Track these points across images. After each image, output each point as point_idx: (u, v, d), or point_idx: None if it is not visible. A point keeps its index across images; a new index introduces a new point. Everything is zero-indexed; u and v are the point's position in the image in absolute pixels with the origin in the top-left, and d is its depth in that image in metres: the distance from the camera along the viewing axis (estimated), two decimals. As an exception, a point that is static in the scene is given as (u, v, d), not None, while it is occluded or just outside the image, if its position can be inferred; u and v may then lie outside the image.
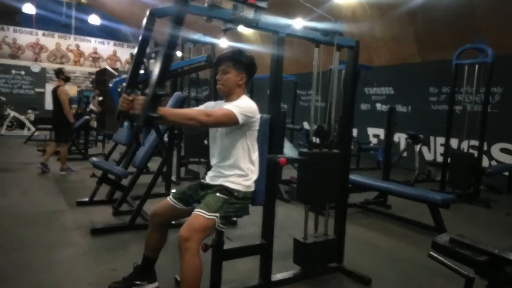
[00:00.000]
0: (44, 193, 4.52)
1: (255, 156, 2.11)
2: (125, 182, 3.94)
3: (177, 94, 3.93)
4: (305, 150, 2.56)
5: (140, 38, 2.07)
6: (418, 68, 7.72)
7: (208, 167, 5.92)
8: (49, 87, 13.01)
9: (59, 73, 5.58)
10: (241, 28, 9.41)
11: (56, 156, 6.04)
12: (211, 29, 9.99)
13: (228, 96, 2.11)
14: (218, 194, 1.97)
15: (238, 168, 2.04)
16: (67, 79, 5.59)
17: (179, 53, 7.67)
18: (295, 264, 2.58)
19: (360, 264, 2.77)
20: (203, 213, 1.86)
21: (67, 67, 13.66)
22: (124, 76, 4.04)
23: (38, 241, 2.98)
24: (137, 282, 2.24)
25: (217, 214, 1.88)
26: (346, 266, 2.69)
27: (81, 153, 6.94)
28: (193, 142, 5.55)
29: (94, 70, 13.48)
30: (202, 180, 2.21)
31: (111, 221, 3.55)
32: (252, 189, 2.10)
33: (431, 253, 1.44)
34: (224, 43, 9.21)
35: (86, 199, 4.06)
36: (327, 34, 2.42)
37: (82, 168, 5.80)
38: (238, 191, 2.02)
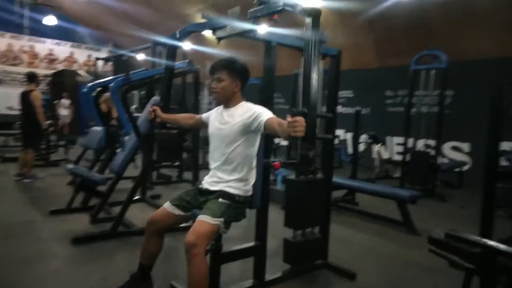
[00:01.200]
0: (12, 204, 4.30)
1: (255, 161, 2.20)
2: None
3: (154, 98, 3.91)
4: (292, 177, 2.66)
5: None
6: (376, 72, 8.18)
7: (180, 171, 5.93)
8: (0, 90, 12.20)
9: (33, 77, 5.35)
10: (205, 32, 9.38)
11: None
12: (172, 31, 9.92)
13: (227, 102, 2.17)
14: (220, 199, 2.04)
15: (239, 173, 2.11)
16: (38, 84, 5.36)
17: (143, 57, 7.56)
18: (285, 263, 2.69)
19: (342, 259, 2.93)
20: (208, 219, 1.91)
21: (21, 69, 12.93)
22: (99, 81, 3.94)
23: (16, 255, 2.86)
24: (134, 290, 2.25)
25: (222, 219, 1.95)
26: (331, 262, 2.85)
27: (43, 159, 6.62)
28: (165, 146, 5.53)
29: (50, 72, 12.82)
30: (200, 186, 2.25)
31: (91, 229, 3.46)
32: (251, 193, 2.19)
33: (431, 247, 1.61)
34: (187, 46, 9.18)
35: (61, 208, 3.92)
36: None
37: (47, 175, 5.56)
38: (239, 196, 2.10)
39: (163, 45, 5.51)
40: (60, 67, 13.72)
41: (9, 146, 7.66)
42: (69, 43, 14.47)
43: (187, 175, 6.03)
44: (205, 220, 1.90)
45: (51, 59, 14.00)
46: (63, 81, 10.52)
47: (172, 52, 2.79)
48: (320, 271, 2.80)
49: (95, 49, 14.95)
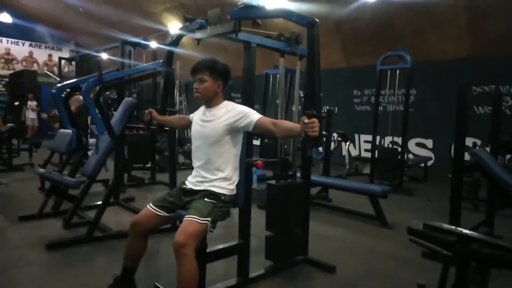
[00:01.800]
0: (-25, 211, 4.07)
1: (238, 160, 2.23)
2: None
3: (127, 99, 3.85)
4: (272, 182, 2.75)
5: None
6: (344, 72, 8.41)
7: (153, 173, 5.84)
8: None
9: None
10: (173, 31, 9.27)
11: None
12: (137, 30, 9.72)
13: (209, 102, 2.20)
14: (206, 199, 2.06)
15: (223, 173, 2.14)
16: None
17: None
18: (267, 259, 2.75)
19: (321, 254, 3.01)
20: (196, 218, 1.93)
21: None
22: (69, 81, 3.81)
23: (-13, 263, 2.73)
24: (118, 294, 2.22)
25: (209, 219, 1.97)
26: (311, 257, 2.93)
27: (5, 164, 6.30)
28: (136, 148, 5.42)
29: (7, 72, 12.17)
30: (183, 186, 2.25)
31: (65, 235, 3.35)
32: (235, 192, 2.22)
33: (411, 237, 1.71)
34: (154, 45, 9.05)
35: (30, 213, 3.76)
36: (291, 45, 2.63)
37: (11, 180, 5.30)
38: (224, 195, 2.12)
39: (132, 44, 5.45)
40: (19, 67, 13.07)
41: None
42: (28, 42, 13.81)
43: (160, 176, 5.96)
44: (193, 220, 1.91)
45: (8, 59, 13.30)
46: (22, 82, 10.04)
47: (170, 57, 2.84)
48: (301, 266, 2.87)
49: (56, 48, 14.36)
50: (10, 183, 5.24)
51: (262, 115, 2.08)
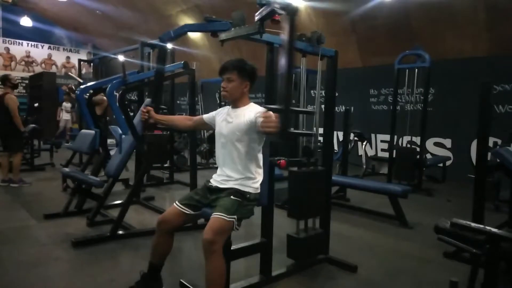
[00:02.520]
0: (3, 209, 4.20)
1: (261, 159, 2.26)
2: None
3: (148, 100, 3.91)
4: (295, 169, 2.74)
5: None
6: (360, 72, 8.37)
7: (171, 173, 5.92)
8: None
9: (5, 80, 5.20)
10: (189, 33, 9.36)
11: None
12: (153, 32, 9.84)
13: (235, 102, 2.23)
14: (232, 197, 2.09)
15: (248, 172, 2.17)
16: (14, 86, 5.23)
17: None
18: (289, 258, 2.76)
19: (341, 253, 3.02)
20: (223, 216, 1.96)
21: (-3, 72, 12.53)
22: (90, 83, 3.91)
23: (18, 260, 2.81)
24: (146, 290, 2.27)
25: (235, 216, 2.00)
26: (332, 256, 2.94)
27: (28, 163, 6.46)
28: (155, 148, 5.49)
29: (27, 74, 12.46)
30: (209, 184, 2.29)
31: (89, 233, 3.43)
32: (259, 191, 2.24)
33: (439, 236, 1.71)
34: (170, 47, 9.16)
35: (55, 212, 3.87)
36: (312, 45, 2.64)
37: (34, 180, 5.44)
38: (249, 193, 2.15)
39: (152, 46, 5.53)
40: (38, 69, 13.37)
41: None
42: (47, 45, 14.11)
43: (177, 176, 6.04)
44: (221, 217, 1.94)
45: (28, 62, 13.61)
46: (41, 84, 10.26)
47: (163, 53, 2.78)
48: (322, 265, 2.89)
49: (74, 51, 14.64)
50: (33, 183, 5.38)
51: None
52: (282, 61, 1.63)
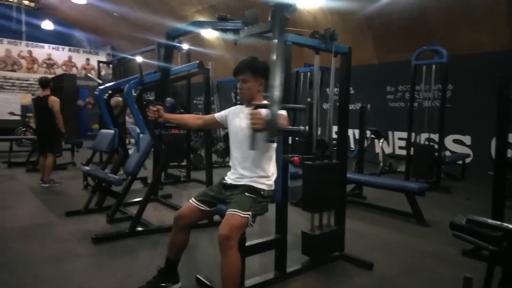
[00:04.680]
0: (27, 207, 4.36)
1: (275, 156, 2.28)
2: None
3: (166, 100, 3.99)
4: (309, 162, 2.74)
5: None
6: (376, 68, 8.28)
7: (188, 171, 6.00)
8: (0, 96, 12.20)
9: (48, 82, 5.37)
10: (205, 33, 9.43)
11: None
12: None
13: (250, 101, 2.26)
14: (247, 194, 2.12)
15: (262, 170, 2.20)
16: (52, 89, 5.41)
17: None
18: (304, 255, 2.78)
19: (357, 251, 3.01)
20: (238, 212, 1.99)
21: (20, 74, 12.95)
22: (110, 84, 4.01)
23: (40, 255, 2.92)
24: (163, 284, 2.32)
25: (250, 213, 2.03)
26: (347, 254, 2.94)
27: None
28: (172, 147, 5.59)
29: (49, 77, 12.86)
30: (223, 181, 2.33)
31: (109, 229, 3.52)
32: (273, 188, 2.27)
33: (455, 232, 1.70)
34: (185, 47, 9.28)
35: (76, 209, 3.98)
36: (325, 41, 2.65)
37: (56, 178, 5.60)
38: (263, 190, 2.18)
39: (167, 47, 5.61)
40: (59, 71, 13.75)
41: (14, 151, 7.67)
42: (67, 48, 14.48)
43: (194, 174, 6.12)
44: (236, 213, 1.98)
45: (49, 64, 14.01)
46: (62, 86, 10.56)
47: (170, 51, 2.67)
48: (337, 262, 2.89)
49: (93, 52, 14.98)
50: (62, 182, 5.56)
51: (282, 113, 2.05)
52: (273, 56, 1.63)
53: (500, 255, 1.67)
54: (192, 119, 2.58)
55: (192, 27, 2.53)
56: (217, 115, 2.49)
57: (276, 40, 1.66)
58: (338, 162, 2.85)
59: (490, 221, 1.71)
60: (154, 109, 2.29)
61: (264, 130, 1.66)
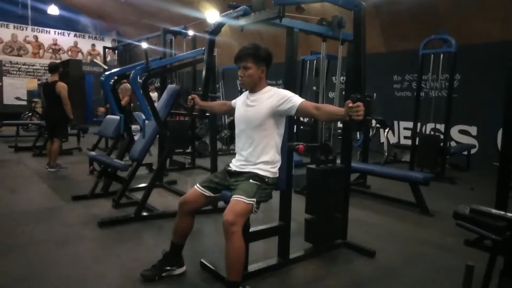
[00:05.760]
0: (34, 191, 4.42)
1: (280, 144, 2.29)
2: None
3: (171, 86, 3.99)
4: (313, 166, 2.76)
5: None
6: (383, 57, 8.19)
7: (193, 158, 6.03)
8: (6, 81, 12.25)
9: (57, 67, 5.37)
10: (210, 19, 9.39)
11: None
12: (175, 19, 9.90)
13: (253, 87, 2.26)
14: (251, 180, 2.13)
15: (267, 156, 2.20)
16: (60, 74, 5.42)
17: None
18: (307, 242, 2.80)
19: (360, 239, 3.03)
20: (243, 198, 2.01)
21: (26, 59, 12.97)
22: (115, 69, 4.01)
23: (48, 238, 2.97)
24: (167, 268, 2.37)
25: (254, 199, 2.05)
26: (350, 241, 2.97)
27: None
28: (177, 134, 5.61)
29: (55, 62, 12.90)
30: (228, 168, 2.34)
31: (114, 214, 3.57)
32: (278, 175, 2.28)
33: (458, 221, 1.70)
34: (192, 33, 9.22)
35: (82, 194, 4.03)
36: (333, 29, 2.63)
37: (62, 163, 5.66)
38: (267, 177, 2.19)
39: (173, 33, 5.59)
40: (65, 57, 13.75)
41: (20, 136, 7.74)
42: (73, 33, 14.45)
43: (199, 161, 6.15)
44: (240, 200, 2.00)
45: (55, 49, 14.01)
46: (68, 71, 10.57)
47: (211, 45, 2.96)
48: (340, 249, 2.92)
49: (99, 38, 14.95)
50: (68, 167, 5.62)
51: (304, 99, 2.11)
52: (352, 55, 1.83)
53: (503, 245, 1.68)
54: (219, 105, 2.77)
55: (222, 23, 2.63)
56: (233, 101, 2.53)
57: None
58: (342, 166, 2.86)
59: (493, 210, 1.71)
60: (190, 98, 2.61)
61: (363, 120, 1.84)
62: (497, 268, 1.72)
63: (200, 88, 3.31)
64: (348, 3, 2.40)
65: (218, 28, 2.83)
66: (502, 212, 1.68)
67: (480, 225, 1.74)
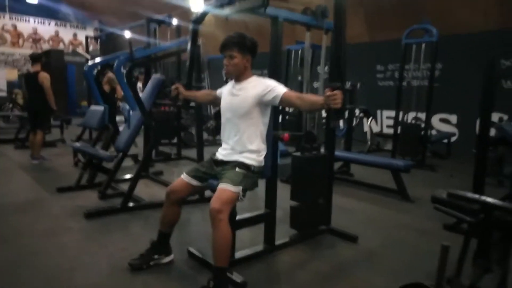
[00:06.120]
0: (17, 183, 4.37)
1: (265, 133, 2.32)
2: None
3: (155, 76, 3.97)
4: (298, 154, 2.82)
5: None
6: (367, 47, 8.28)
7: (179, 148, 6.02)
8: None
9: (39, 58, 5.25)
10: (195, 8, 9.23)
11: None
12: (158, 8, 9.75)
13: (239, 77, 2.28)
14: (237, 169, 2.17)
15: (252, 145, 2.24)
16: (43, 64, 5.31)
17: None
18: (292, 228, 2.87)
19: (343, 225, 3.11)
20: (229, 186, 2.05)
21: (5, 49, 12.60)
22: (98, 59, 3.96)
23: (34, 230, 2.96)
24: (155, 256, 2.40)
25: (240, 187, 2.09)
26: (333, 227, 3.05)
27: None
28: (163, 124, 5.59)
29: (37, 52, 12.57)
30: (214, 157, 2.37)
31: (101, 205, 3.56)
32: (263, 164, 2.32)
33: (435, 205, 1.78)
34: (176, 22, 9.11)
35: (67, 186, 4.01)
36: (317, 18, 2.66)
37: (46, 155, 5.59)
38: (253, 166, 2.23)
39: (157, 22, 5.53)
40: (46, 46, 13.42)
41: (1, 128, 7.59)
42: (53, 22, 14.08)
43: (185, 152, 6.15)
44: (227, 188, 2.03)
45: (35, 39, 13.66)
46: (49, 62, 10.34)
47: (195, 34, 2.91)
48: (324, 235, 3.00)
49: (80, 27, 14.61)
50: (51, 158, 5.55)
51: (288, 89, 2.15)
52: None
53: (477, 227, 1.76)
54: (204, 95, 2.75)
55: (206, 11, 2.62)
56: (218, 91, 2.55)
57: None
58: (326, 153, 2.92)
59: (469, 194, 1.79)
60: (174, 87, 2.56)
61: (338, 109, 1.87)
62: (472, 250, 1.80)
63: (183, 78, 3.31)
64: (332, 25, 2.44)
65: (202, 17, 2.83)
66: (477, 196, 1.77)
67: (457, 208, 1.82)
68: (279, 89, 2.13)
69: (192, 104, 3.17)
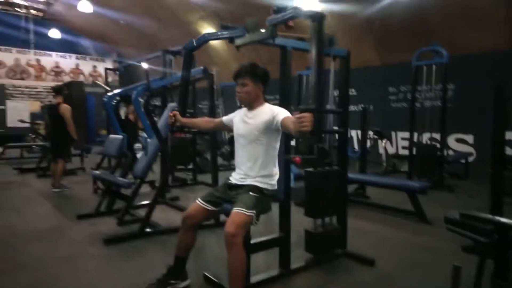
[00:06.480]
0: (39, 211, 4.50)
1: (277, 157, 2.38)
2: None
3: (171, 105, 4.10)
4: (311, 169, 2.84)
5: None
6: (378, 70, 8.37)
7: (194, 174, 6.10)
8: (10, 104, 12.45)
9: (61, 90, 5.53)
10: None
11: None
12: (174, 39, 10.12)
13: (251, 104, 2.37)
14: (251, 193, 2.22)
15: (265, 170, 2.30)
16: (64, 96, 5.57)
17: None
18: (307, 252, 2.86)
19: (359, 248, 3.09)
20: (243, 210, 2.10)
21: (29, 83, 13.23)
22: (117, 90, 4.15)
23: (54, 256, 3.04)
24: (172, 282, 2.42)
25: (254, 211, 2.13)
26: (350, 251, 3.03)
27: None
28: (178, 151, 5.72)
29: (57, 84, 13.14)
30: (228, 182, 2.44)
31: (119, 231, 3.64)
32: (276, 187, 2.37)
33: (449, 226, 1.78)
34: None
35: (87, 213, 4.12)
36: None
37: (67, 183, 5.75)
38: (267, 189, 2.28)
39: (172, 53, 5.75)
40: (67, 79, 14.00)
41: (24, 158, 7.86)
42: (74, 55, 14.75)
43: (200, 177, 6.24)
44: (241, 212, 2.08)
45: (57, 72, 14.29)
46: (70, 93, 10.78)
47: (189, 60, 2.98)
48: (340, 259, 2.98)
49: (100, 59, 15.23)
50: (71, 187, 5.71)
51: (288, 115, 2.18)
52: (312, 66, 1.77)
53: (492, 248, 1.75)
54: (204, 122, 2.82)
55: (204, 39, 2.71)
56: (224, 118, 2.62)
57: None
58: (339, 169, 2.94)
59: (481, 214, 1.79)
60: (171, 114, 2.56)
61: (310, 132, 1.80)
62: (489, 272, 1.78)
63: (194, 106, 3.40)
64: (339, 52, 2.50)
65: (198, 46, 2.92)
66: (490, 216, 1.77)
67: (471, 229, 1.82)
68: (279, 115, 2.18)
69: (194, 129, 3.14)
